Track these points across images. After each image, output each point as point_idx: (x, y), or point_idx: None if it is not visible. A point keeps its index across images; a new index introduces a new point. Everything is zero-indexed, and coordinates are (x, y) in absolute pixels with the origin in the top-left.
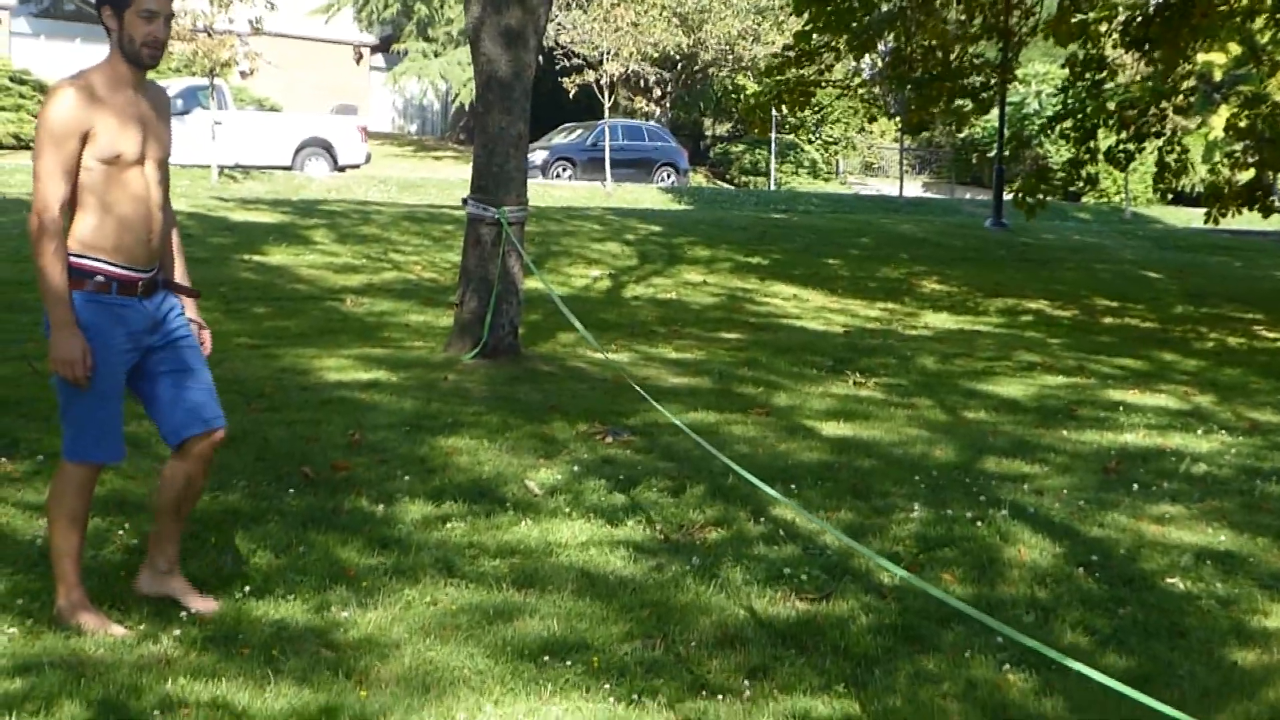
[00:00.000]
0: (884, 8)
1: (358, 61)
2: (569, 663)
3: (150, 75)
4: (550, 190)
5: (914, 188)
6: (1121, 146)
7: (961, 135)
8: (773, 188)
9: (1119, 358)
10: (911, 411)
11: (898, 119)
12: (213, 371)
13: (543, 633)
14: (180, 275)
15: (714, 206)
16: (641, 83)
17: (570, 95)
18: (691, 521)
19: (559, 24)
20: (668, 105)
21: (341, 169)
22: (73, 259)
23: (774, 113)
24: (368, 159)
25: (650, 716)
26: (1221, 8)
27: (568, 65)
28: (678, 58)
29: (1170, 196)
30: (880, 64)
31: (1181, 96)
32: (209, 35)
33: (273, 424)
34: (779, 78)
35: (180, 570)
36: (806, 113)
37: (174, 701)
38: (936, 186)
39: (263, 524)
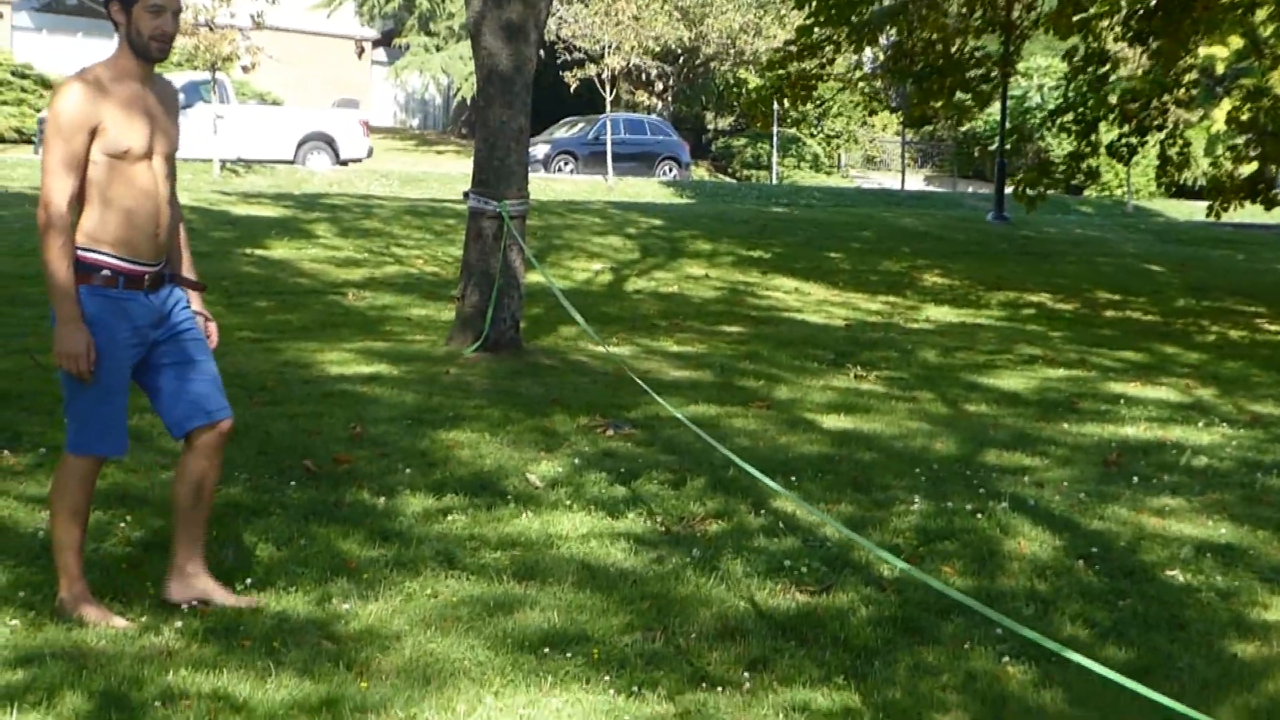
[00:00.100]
0: (885, 1)
1: (359, 56)
2: (569, 654)
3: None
4: (552, 184)
5: (916, 181)
6: (1124, 141)
7: (963, 129)
8: (774, 181)
9: (1120, 351)
10: (912, 404)
11: (900, 113)
12: (212, 353)
13: (543, 625)
14: (186, 269)
15: (716, 200)
16: (643, 76)
17: (572, 89)
18: (692, 514)
19: (560, 18)
20: (669, 99)
21: (343, 163)
22: (79, 252)
23: (775, 106)
24: (370, 153)
25: (650, 708)
26: (1223, 0)
27: (569, 59)
28: (679, 51)
29: (1172, 190)
30: (881, 57)
31: (1183, 90)
32: (211, 30)
33: (275, 417)
34: (780, 72)
35: (208, 570)
36: (808, 106)
37: (175, 693)
38: (938, 180)
39: (264, 517)
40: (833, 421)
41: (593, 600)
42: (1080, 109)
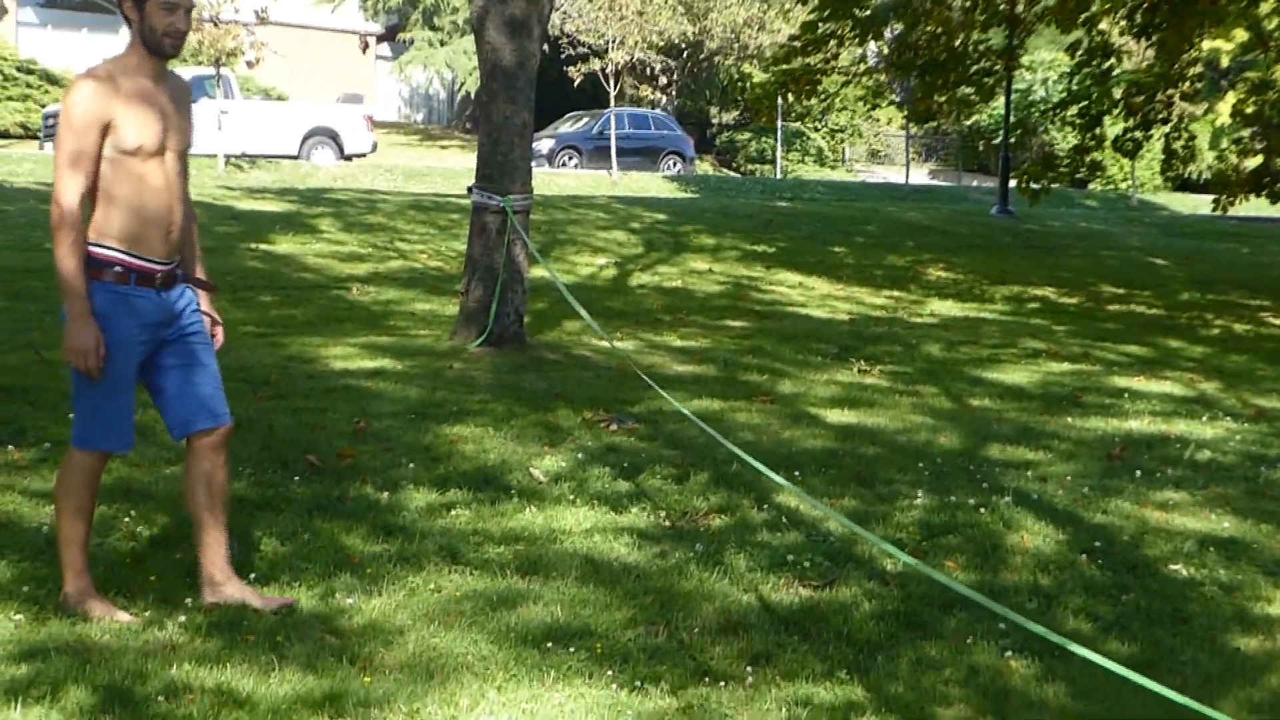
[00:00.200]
0: None
1: (364, 51)
2: (572, 649)
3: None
4: (556, 179)
5: (920, 175)
6: (1129, 135)
7: (968, 123)
8: (779, 176)
9: (1124, 344)
10: (916, 399)
11: (905, 108)
12: (219, 359)
13: (546, 619)
14: (197, 268)
15: (720, 194)
16: (647, 71)
17: (576, 84)
18: (695, 509)
19: (564, 12)
20: (674, 93)
21: (348, 158)
22: (92, 249)
23: (780, 101)
24: (374, 148)
25: (653, 703)
26: None
27: (573, 54)
28: (683, 46)
29: (1177, 183)
30: (886, 51)
31: (1188, 83)
32: (215, 25)
33: (279, 412)
34: (785, 67)
35: (236, 574)
36: (813, 101)
37: (179, 687)
38: (943, 174)
39: (268, 512)
40: (836, 416)
41: (596, 595)
42: (1085, 102)
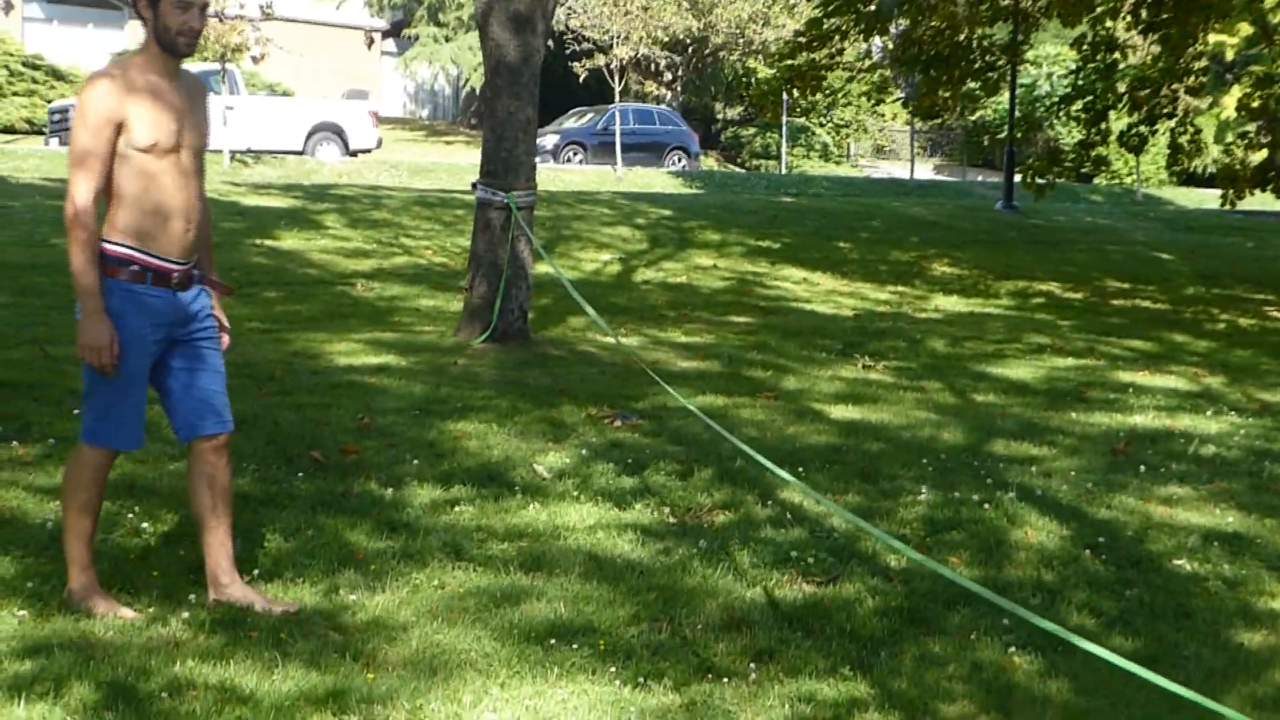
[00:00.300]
0: None
1: (369, 46)
2: (575, 646)
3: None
4: (561, 174)
5: (925, 170)
6: (1135, 131)
7: (972, 118)
8: (784, 171)
9: (1129, 339)
10: (920, 394)
11: (910, 104)
12: (224, 356)
13: (549, 616)
14: (207, 267)
15: (725, 190)
16: (652, 67)
17: (581, 79)
18: (699, 505)
19: (569, 8)
20: (678, 89)
21: (353, 154)
22: (109, 247)
23: (785, 96)
24: (379, 144)
25: (656, 699)
26: None
27: (578, 49)
28: (688, 41)
29: (1182, 178)
30: (890, 46)
31: (1193, 77)
32: (220, 20)
33: (283, 408)
34: (790, 62)
35: (241, 577)
36: (818, 96)
37: (182, 684)
38: (948, 169)
39: (272, 508)
40: (840, 412)
41: (599, 591)
42: (1090, 97)
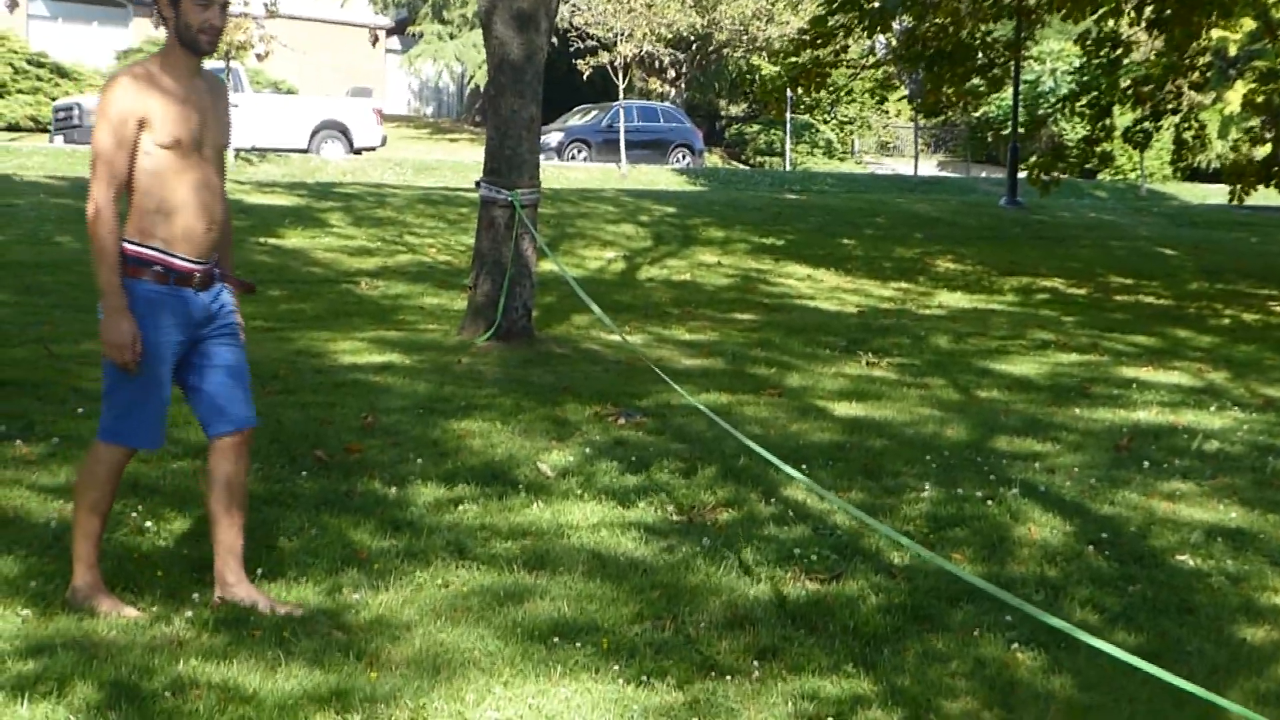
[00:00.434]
0: None
1: (373, 44)
2: (579, 644)
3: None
4: (565, 172)
5: (929, 166)
6: (1140, 126)
7: (976, 114)
8: (788, 168)
9: (1133, 335)
10: (924, 391)
11: (914, 101)
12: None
13: (553, 614)
14: (226, 265)
15: (729, 187)
16: (656, 64)
17: (585, 77)
18: (703, 503)
19: (573, 5)
20: (682, 86)
21: (357, 151)
22: (131, 247)
23: (789, 93)
24: (383, 142)
25: (659, 698)
26: None
27: (582, 47)
28: (692, 39)
29: (1186, 173)
30: (894, 43)
31: (1197, 73)
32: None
33: (287, 406)
34: (795, 59)
35: (248, 578)
36: (822, 93)
37: (185, 683)
38: (952, 165)
39: (276, 506)
40: (844, 409)
41: (603, 590)
42: (1094, 92)
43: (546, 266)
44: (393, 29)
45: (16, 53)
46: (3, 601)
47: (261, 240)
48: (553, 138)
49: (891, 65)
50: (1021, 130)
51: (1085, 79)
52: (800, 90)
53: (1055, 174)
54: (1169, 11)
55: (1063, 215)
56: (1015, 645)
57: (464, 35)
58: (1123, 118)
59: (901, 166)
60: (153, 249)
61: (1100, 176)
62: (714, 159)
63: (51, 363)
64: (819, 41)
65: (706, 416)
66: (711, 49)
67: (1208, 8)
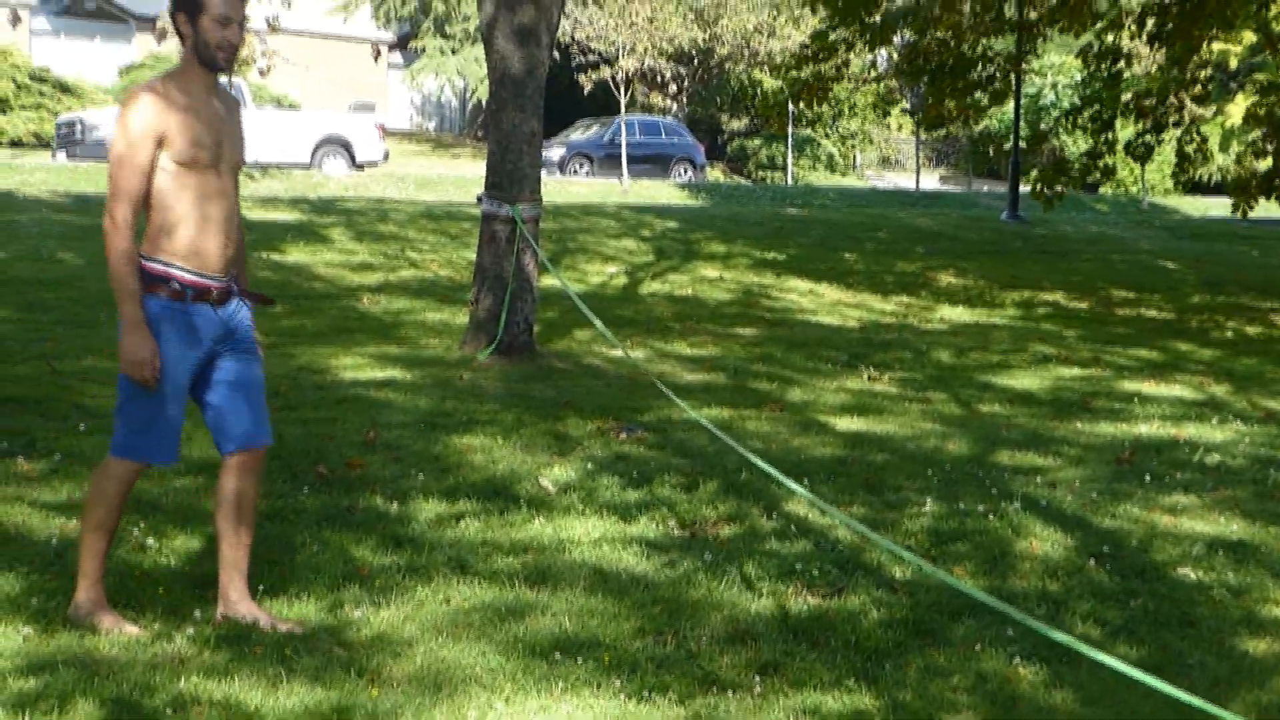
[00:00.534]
0: (899, 1)
1: (376, 59)
2: (580, 660)
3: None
4: (567, 187)
5: (931, 181)
6: (1141, 140)
7: (978, 128)
8: (790, 182)
9: (1135, 349)
10: (925, 405)
11: (915, 115)
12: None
13: (554, 630)
14: (242, 280)
15: (731, 202)
16: (658, 78)
17: (587, 91)
18: (704, 517)
19: (575, 20)
20: (684, 101)
21: (359, 167)
22: (148, 264)
23: (790, 108)
24: (386, 157)
25: (660, 713)
26: None
27: (584, 61)
28: (694, 53)
29: (1188, 186)
30: (895, 57)
31: (1199, 86)
32: None
33: (288, 422)
34: (796, 74)
35: (251, 595)
36: (824, 107)
37: (186, 700)
38: (954, 179)
39: (277, 523)
40: (845, 423)
41: (604, 605)
42: (1096, 106)
43: (548, 281)
44: (395, 44)
45: (19, 68)
46: (4, 619)
47: (263, 255)
48: (554, 152)
49: (893, 79)
50: (1023, 144)
51: (1088, 93)
52: (802, 104)
53: (1059, 189)
54: (1169, 25)
55: (1064, 229)
56: (1017, 659)
57: (466, 50)
58: (1124, 131)
59: (903, 181)
60: (170, 265)
61: (1102, 190)
62: (716, 173)
63: (54, 379)
64: (820, 56)
65: (708, 431)
66: (713, 63)
67: (1208, 21)
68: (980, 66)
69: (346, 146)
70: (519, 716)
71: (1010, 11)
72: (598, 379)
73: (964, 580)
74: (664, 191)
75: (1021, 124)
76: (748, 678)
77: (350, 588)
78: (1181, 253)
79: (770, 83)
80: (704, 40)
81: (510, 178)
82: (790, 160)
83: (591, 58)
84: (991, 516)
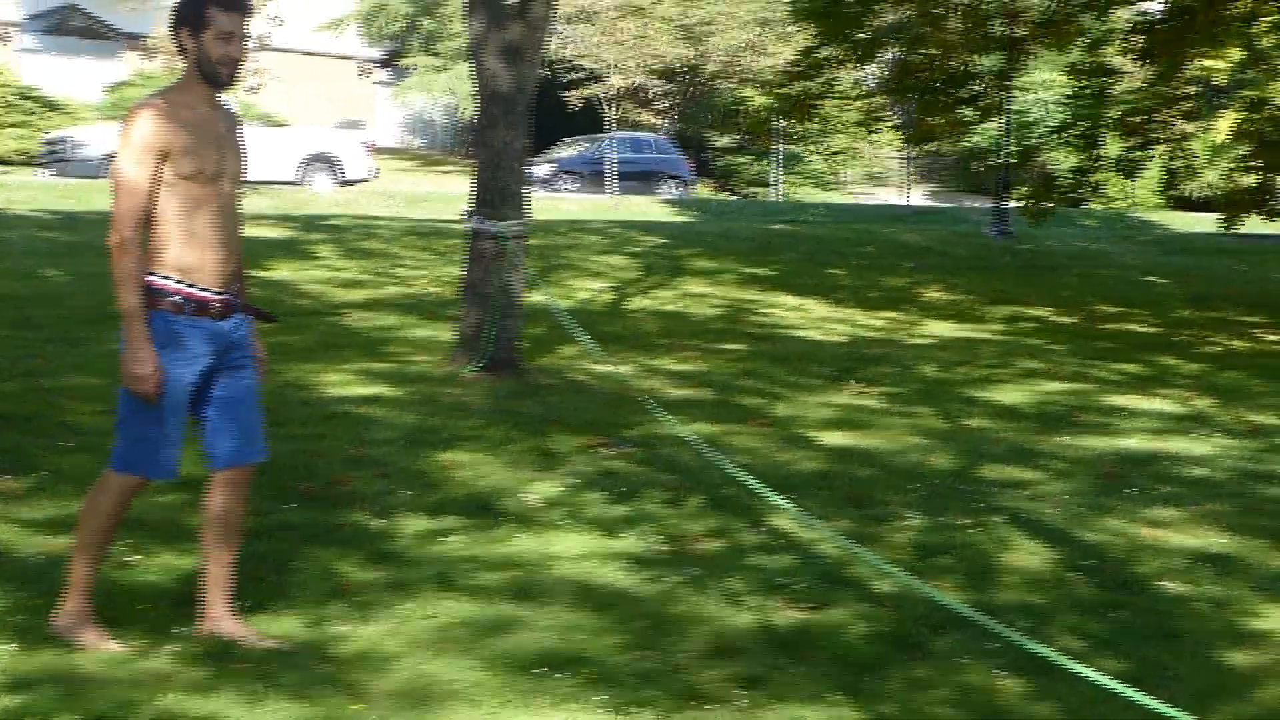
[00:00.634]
0: (888, 19)
1: (364, 76)
2: (565, 675)
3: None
4: (555, 203)
5: (919, 196)
6: (1129, 155)
7: (965, 144)
8: (778, 198)
9: (1120, 363)
10: (912, 420)
11: (904, 132)
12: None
13: (539, 645)
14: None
15: (719, 218)
16: (646, 96)
17: (574, 108)
18: (689, 532)
19: (564, 37)
20: (673, 117)
21: (347, 184)
22: (150, 278)
23: (778, 124)
24: (374, 173)
25: None
26: (1225, 12)
27: (572, 78)
28: (682, 70)
29: (1174, 201)
30: (883, 74)
31: (1190, 102)
32: None
33: (275, 439)
34: (784, 91)
35: (234, 612)
36: (812, 124)
37: (168, 717)
38: (942, 195)
39: (262, 539)
40: (831, 438)
41: (589, 620)
42: (1085, 123)
43: (535, 297)
44: (383, 61)
45: (6, 86)
46: None
47: (250, 273)
48: (542, 169)
49: (881, 96)
50: (1012, 160)
51: (1077, 110)
52: (790, 121)
53: (1049, 205)
54: (1156, 42)
55: (1051, 244)
56: (1000, 672)
57: (454, 67)
58: (1113, 146)
59: (891, 196)
60: (171, 279)
61: (1089, 205)
62: (704, 190)
63: (41, 397)
64: (808, 73)
65: (694, 446)
66: (701, 80)
67: (1195, 39)
68: (968, 83)
69: (334, 164)
70: None
71: (998, 29)
72: (583, 395)
73: (948, 594)
74: (652, 208)
75: (1009, 140)
76: (732, 692)
77: (334, 604)
78: (1168, 267)
79: (759, 100)
80: (692, 57)
81: (499, 194)
82: (778, 176)
83: (580, 75)
84: (976, 530)
